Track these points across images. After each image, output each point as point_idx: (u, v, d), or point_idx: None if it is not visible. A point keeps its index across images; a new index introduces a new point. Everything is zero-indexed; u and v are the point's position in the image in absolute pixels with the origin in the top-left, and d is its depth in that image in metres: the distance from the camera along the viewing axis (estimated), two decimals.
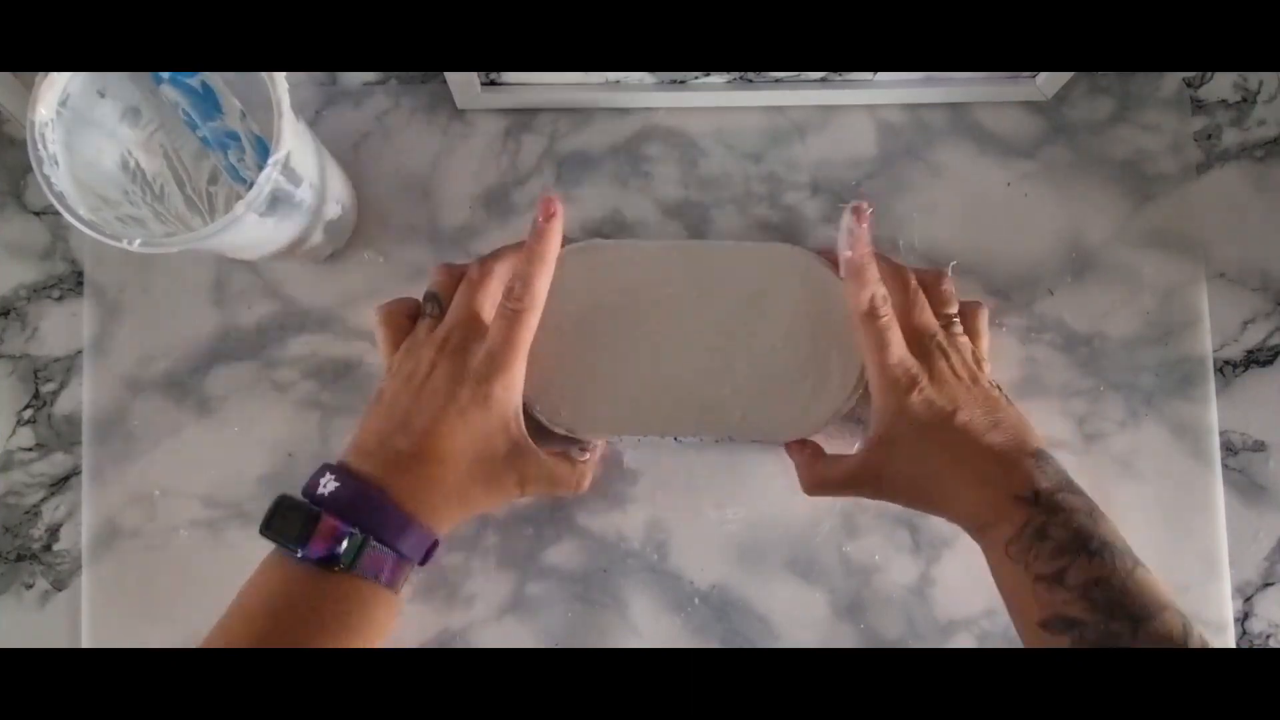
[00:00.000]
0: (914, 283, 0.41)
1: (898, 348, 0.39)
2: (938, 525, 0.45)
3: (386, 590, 0.36)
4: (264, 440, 0.46)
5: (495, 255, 0.41)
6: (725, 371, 0.43)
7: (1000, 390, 0.40)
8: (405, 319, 0.41)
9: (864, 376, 0.41)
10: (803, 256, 0.43)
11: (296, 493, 0.37)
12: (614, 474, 0.46)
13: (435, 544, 0.39)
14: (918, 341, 0.40)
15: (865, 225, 0.39)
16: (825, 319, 0.43)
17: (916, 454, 0.38)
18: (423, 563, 0.39)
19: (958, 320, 0.41)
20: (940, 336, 0.40)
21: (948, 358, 0.40)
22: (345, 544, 0.35)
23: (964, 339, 0.41)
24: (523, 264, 0.38)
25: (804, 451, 0.43)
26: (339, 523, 0.35)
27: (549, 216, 0.38)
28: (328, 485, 0.36)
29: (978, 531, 0.38)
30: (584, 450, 0.43)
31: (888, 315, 0.39)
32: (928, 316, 0.41)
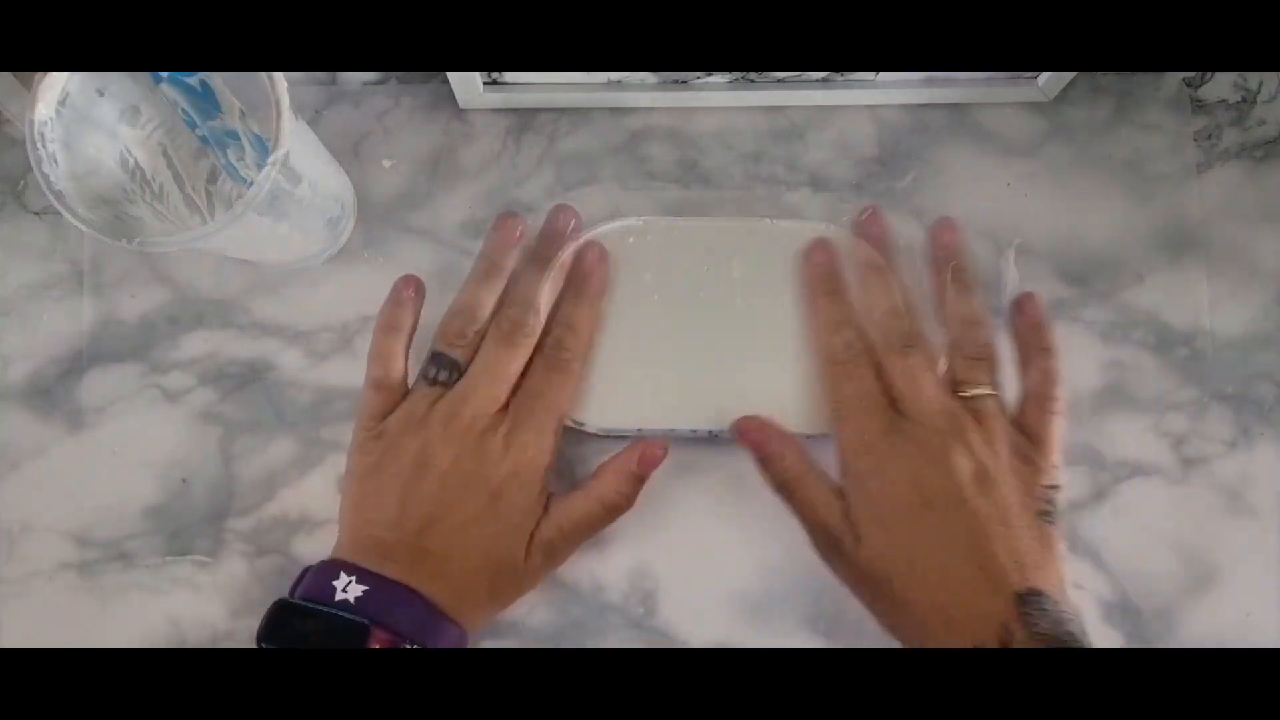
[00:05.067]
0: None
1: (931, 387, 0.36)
2: None
3: None
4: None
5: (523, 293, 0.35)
6: (765, 363, 0.40)
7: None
8: (400, 380, 0.37)
9: None
10: (845, 238, 0.41)
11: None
12: None
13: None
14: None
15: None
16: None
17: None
18: None
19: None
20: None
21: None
22: None
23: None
24: (571, 306, 0.34)
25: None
26: (393, 637, 0.30)
27: (600, 259, 0.34)
28: (350, 589, 0.30)
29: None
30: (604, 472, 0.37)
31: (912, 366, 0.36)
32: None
